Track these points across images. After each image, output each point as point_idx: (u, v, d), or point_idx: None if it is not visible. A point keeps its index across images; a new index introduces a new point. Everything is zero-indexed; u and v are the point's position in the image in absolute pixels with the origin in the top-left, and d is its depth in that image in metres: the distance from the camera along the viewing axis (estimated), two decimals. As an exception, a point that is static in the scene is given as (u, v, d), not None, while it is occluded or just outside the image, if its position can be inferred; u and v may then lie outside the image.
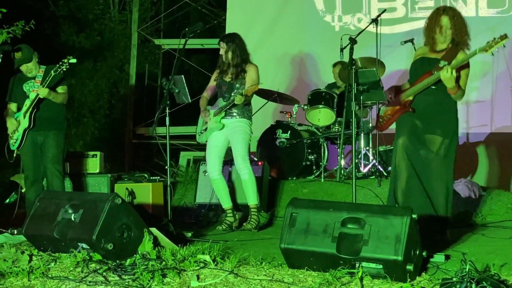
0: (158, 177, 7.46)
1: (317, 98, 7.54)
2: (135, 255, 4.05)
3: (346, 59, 6.00)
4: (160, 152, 5.80)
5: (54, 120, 6.15)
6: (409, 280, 3.51)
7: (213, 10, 13.30)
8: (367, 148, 7.47)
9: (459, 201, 6.30)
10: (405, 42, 7.29)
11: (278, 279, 3.63)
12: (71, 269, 3.91)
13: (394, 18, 8.97)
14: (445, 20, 4.91)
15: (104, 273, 3.76)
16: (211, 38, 12.39)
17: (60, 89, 6.17)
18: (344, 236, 3.67)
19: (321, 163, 7.42)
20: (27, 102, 6.05)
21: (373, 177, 7.12)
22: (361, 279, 3.53)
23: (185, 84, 5.66)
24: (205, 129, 6.05)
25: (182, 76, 5.73)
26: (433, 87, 4.87)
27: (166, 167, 5.62)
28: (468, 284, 3.20)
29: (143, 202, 6.81)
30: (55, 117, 6.16)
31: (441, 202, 4.87)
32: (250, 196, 5.95)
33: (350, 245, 3.64)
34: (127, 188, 6.90)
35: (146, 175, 7.34)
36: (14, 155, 6.14)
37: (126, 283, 3.62)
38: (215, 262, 3.91)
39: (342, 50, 7.02)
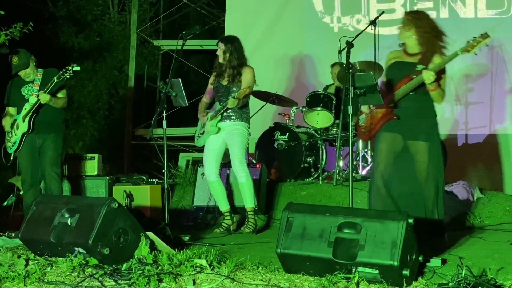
0: (156, 179, 7.45)
1: (315, 100, 7.53)
2: (131, 260, 4.03)
3: (344, 60, 5.99)
4: (159, 154, 5.79)
5: (53, 123, 6.14)
6: (405, 285, 3.51)
7: (212, 11, 13.30)
8: (365, 150, 7.47)
9: (457, 203, 6.30)
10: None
11: (274, 284, 3.63)
12: (68, 273, 3.90)
13: (393, 19, 8.92)
14: (402, 20, 5.01)
15: (100, 278, 3.75)
16: (210, 39, 12.38)
17: (61, 94, 6.16)
18: (340, 240, 3.67)
19: (319, 165, 7.42)
20: (27, 106, 6.04)
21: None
22: (357, 284, 3.53)
23: (182, 88, 5.65)
24: (203, 133, 6.06)
25: (179, 79, 5.71)
26: (412, 93, 4.88)
27: (163, 171, 5.61)
28: (464, 289, 3.21)
29: (141, 205, 6.81)
30: (54, 120, 6.15)
31: (434, 206, 4.86)
32: (247, 199, 5.95)
33: (346, 250, 3.64)
34: (125, 191, 6.90)
35: (144, 177, 7.33)
36: (11, 158, 6.14)
37: (122, 288, 3.62)
38: (212, 267, 3.91)
39: (340, 52, 7.03)
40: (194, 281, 3.71)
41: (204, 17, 13.57)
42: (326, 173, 7.52)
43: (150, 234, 4.41)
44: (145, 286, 3.60)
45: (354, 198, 5.31)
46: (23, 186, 6.13)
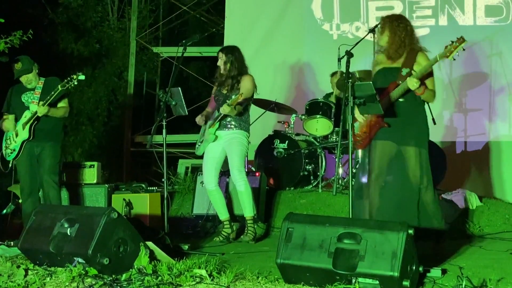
0: (156, 187, 7.44)
1: (314, 108, 7.53)
2: (131, 270, 4.04)
3: (343, 68, 5.99)
4: (158, 161, 5.80)
5: (51, 131, 6.13)
6: (405, 296, 3.51)
7: (212, 18, 13.33)
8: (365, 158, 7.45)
9: (456, 211, 6.28)
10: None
11: (274, 295, 3.63)
12: (67, 284, 3.90)
13: (392, 27, 8.97)
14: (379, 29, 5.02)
15: (100, 289, 3.75)
16: (210, 46, 12.42)
17: (62, 103, 6.15)
18: (341, 251, 3.67)
19: (318, 173, 7.41)
20: (27, 114, 6.03)
21: (371, 187, 7.10)
22: (357, 294, 3.53)
23: (182, 97, 5.65)
24: (202, 141, 6.06)
25: (179, 88, 5.71)
26: (401, 99, 4.89)
27: (163, 179, 5.60)
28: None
29: (140, 213, 6.80)
30: (53, 129, 6.14)
31: (433, 211, 4.86)
32: (247, 208, 5.95)
33: (346, 261, 3.63)
34: (124, 199, 6.89)
35: (143, 185, 7.33)
36: (10, 165, 6.12)
37: (122, 299, 3.62)
38: (211, 277, 3.90)
39: (339, 60, 7.02)
40: (194, 291, 3.71)
41: (203, 24, 13.61)
42: (325, 181, 7.52)
43: (150, 244, 4.40)
44: (144, 296, 3.60)
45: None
46: (22, 194, 6.12)
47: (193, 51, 11.94)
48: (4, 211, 7.02)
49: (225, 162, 6.14)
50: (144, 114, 13.91)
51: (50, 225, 4.38)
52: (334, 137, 7.49)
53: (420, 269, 3.74)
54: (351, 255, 3.63)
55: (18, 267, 4.27)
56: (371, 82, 4.77)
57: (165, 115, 5.55)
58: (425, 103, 5.04)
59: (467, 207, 6.44)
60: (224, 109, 5.70)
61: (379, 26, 5.07)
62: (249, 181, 5.99)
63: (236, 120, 5.94)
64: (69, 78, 5.83)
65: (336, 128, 7.40)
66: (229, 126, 5.95)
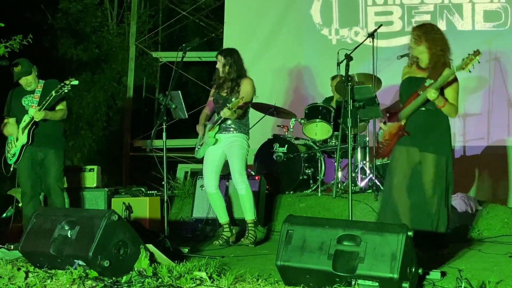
0: (155, 191, 7.45)
1: (314, 112, 7.55)
2: (131, 272, 4.04)
3: (343, 72, 6.02)
4: (157, 165, 5.80)
5: (52, 136, 6.14)
6: (405, 297, 3.51)
7: (211, 23, 13.36)
8: (364, 162, 7.48)
9: (456, 215, 6.29)
10: (402, 56, 7.25)
11: (274, 297, 3.64)
12: (67, 286, 3.91)
13: (391, 32, 9.00)
14: (411, 36, 5.03)
15: (100, 291, 3.76)
16: (209, 50, 12.44)
17: (61, 106, 6.16)
18: (340, 253, 3.68)
19: (318, 177, 7.42)
20: (26, 118, 6.03)
21: (370, 191, 7.13)
22: (357, 296, 3.54)
23: (182, 100, 5.67)
24: (202, 145, 6.07)
25: (179, 91, 5.73)
26: (423, 108, 4.93)
27: (163, 183, 5.61)
28: (464, 302, 3.21)
29: (140, 217, 6.81)
30: (53, 133, 6.15)
31: (436, 218, 4.90)
32: (247, 211, 5.96)
33: (346, 263, 3.64)
34: (124, 203, 6.89)
35: (143, 189, 7.34)
36: (11, 169, 6.13)
37: (122, 301, 3.62)
38: (212, 279, 3.91)
39: (338, 64, 7.06)
40: (194, 293, 3.71)
41: (202, 29, 13.63)
42: (325, 185, 7.53)
43: (150, 246, 4.40)
44: (145, 298, 3.60)
45: (353, 210, 5.33)
46: (23, 198, 6.11)
47: (192, 55, 11.95)
48: (4, 215, 7.02)
49: (225, 166, 6.15)
50: (143, 119, 13.93)
51: (50, 228, 4.38)
52: (334, 141, 7.52)
53: (420, 271, 3.74)
54: (350, 257, 3.64)
55: (19, 269, 4.28)
56: (370, 86, 4.80)
57: (165, 118, 5.56)
58: None
59: (466, 211, 6.45)
60: (225, 113, 5.71)
61: (413, 36, 5.05)
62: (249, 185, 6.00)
63: (236, 123, 5.95)
64: (62, 84, 5.85)
65: (336, 132, 7.42)
66: (229, 129, 5.96)
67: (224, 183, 6.59)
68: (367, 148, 7.49)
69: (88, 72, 13.48)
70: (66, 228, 4.32)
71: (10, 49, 7.50)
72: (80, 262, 4.12)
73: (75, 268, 4.08)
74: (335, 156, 7.48)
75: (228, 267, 4.41)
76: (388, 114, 5.11)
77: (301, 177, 7.43)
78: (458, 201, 6.49)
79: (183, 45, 5.81)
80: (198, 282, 3.85)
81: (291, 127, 7.81)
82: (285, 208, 6.87)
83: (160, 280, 3.87)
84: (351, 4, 9.49)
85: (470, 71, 4.69)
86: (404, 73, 5.19)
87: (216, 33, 12.81)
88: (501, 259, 4.83)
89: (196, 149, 6.17)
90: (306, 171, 7.49)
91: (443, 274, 4.11)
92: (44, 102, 5.91)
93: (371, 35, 7.06)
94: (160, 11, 14.60)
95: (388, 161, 7.13)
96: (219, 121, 5.90)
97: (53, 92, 5.85)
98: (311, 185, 7.51)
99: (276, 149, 7.56)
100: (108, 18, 14.38)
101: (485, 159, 8.56)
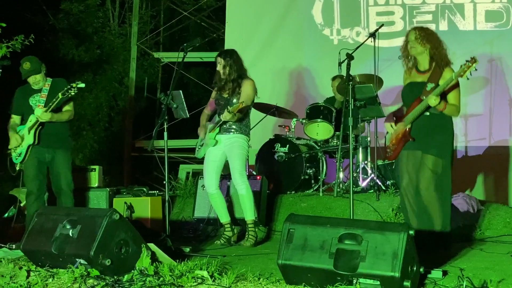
0: (157, 191, 7.45)
1: (315, 112, 7.55)
2: (133, 271, 4.05)
3: (344, 73, 6.02)
4: (159, 165, 5.81)
5: (59, 137, 6.10)
6: (406, 296, 3.51)
7: (212, 23, 13.38)
8: (366, 162, 7.48)
9: (458, 215, 6.29)
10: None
11: (275, 296, 3.64)
12: (69, 285, 3.91)
13: (392, 32, 9.01)
14: (412, 35, 5.02)
15: (102, 289, 3.76)
16: (210, 51, 12.45)
17: (68, 107, 6.13)
18: (342, 252, 3.68)
19: (319, 177, 7.42)
20: (32, 118, 6.00)
21: (372, 191, 7.13)
22: (359, 295, 3.54)
23: (183, 99, 5.67)
24: (202, 145, 6.07)
25: (180, 91, 5.73)
26: (427, 113, 4.96)
27: (164, 182, 5.61)
28: (465, 300, 3.21)
29: (141, 216, 6.81)
30: (60, 133, 6.12)
31: (438, 217, 4.92)
32: (248, 211, 5.96)
33: (348, 261, 3.64)
34: (125, 202, 6.89)
35: (144, 189, 7.33)
36: (17, 168, 6.12)
37: (124, 300, 3.63)
38: (213, 278, 3.91)
39: (340, 64, 7.06)
40: (195, 292, 3.72)
41: (204, 30, 13.66)
42: (326, 185, 7.53)
43: (151, 245, 4.41)
44: (146, 297, 3.61)
45: (354, 210, 5.33)
46: (29, 198, 6.07)
47: (193, 56, 11.97)
48: (6, 214, 7.03)
49: (226, 166, 6.15)
50: (144, 119, 13.94)
51: (52, 227, 4.39)
52: (335, 141, 7.51)
53: (421, 270, 3.74)
54: (352, 256, 3.64)
55: (20, 268, 4.28)
56: (371, 85, 4.80)
57: (166, 118, 5.56)
58: None
59: (468, 211, 6.45)
60: (226, 116, 5.71)
61: (413, 37, 5.05)
62: (250, 185, 6.00)
63: (236, 124, 5.94)
64: (69, 86, 5.84)
65: (337, 132, 7.42)
66: (229, 130, 5.96)
67: (226, 183, 6.60)
68: (369, 148, 7.48)
69: (90, 73, 13.51)
70: (68, 227, 4.32)
71: (12, 49, 7.51)
72: (82, 261, 4.12)
73: (77, 267, 4.09)
74: (336, 156, 7.47)
75: (230, 266, 4.42)
76: (395, 118, 5.15)
77: (302, 177, 7.44)
78: (459, 201, 6.49)
79: (184, 45, 5.79)
80: (199, 281, 3.86)
81: (293, 127, 7.82)
82: (286, 208, 6.87)
83: (161, 279, 3.87)
84: (352, 4, 9.50)
85: (468, 78, 4.70)
86: (405, 79, 5.21)
87: (217, 33, 12.84)
88: (503, 258, 4.83)
89: (197, 148, 6.18)
90: (308, 171, 7.50)
91: (445, 273, 4.12)
92: (50, 104, 5.89)
93: (373, 35, 7.06)
94: (161, 11, 14.63)
95: (390, 162, 7.19)
96: (220, 124, 5.90)
97: (59, 94, 5.83)
98: (313, 185, 7.51)
99: (277, 149, 7.57)
100: (109, 19, 14.40)
101: (486, 159, 8.55)
